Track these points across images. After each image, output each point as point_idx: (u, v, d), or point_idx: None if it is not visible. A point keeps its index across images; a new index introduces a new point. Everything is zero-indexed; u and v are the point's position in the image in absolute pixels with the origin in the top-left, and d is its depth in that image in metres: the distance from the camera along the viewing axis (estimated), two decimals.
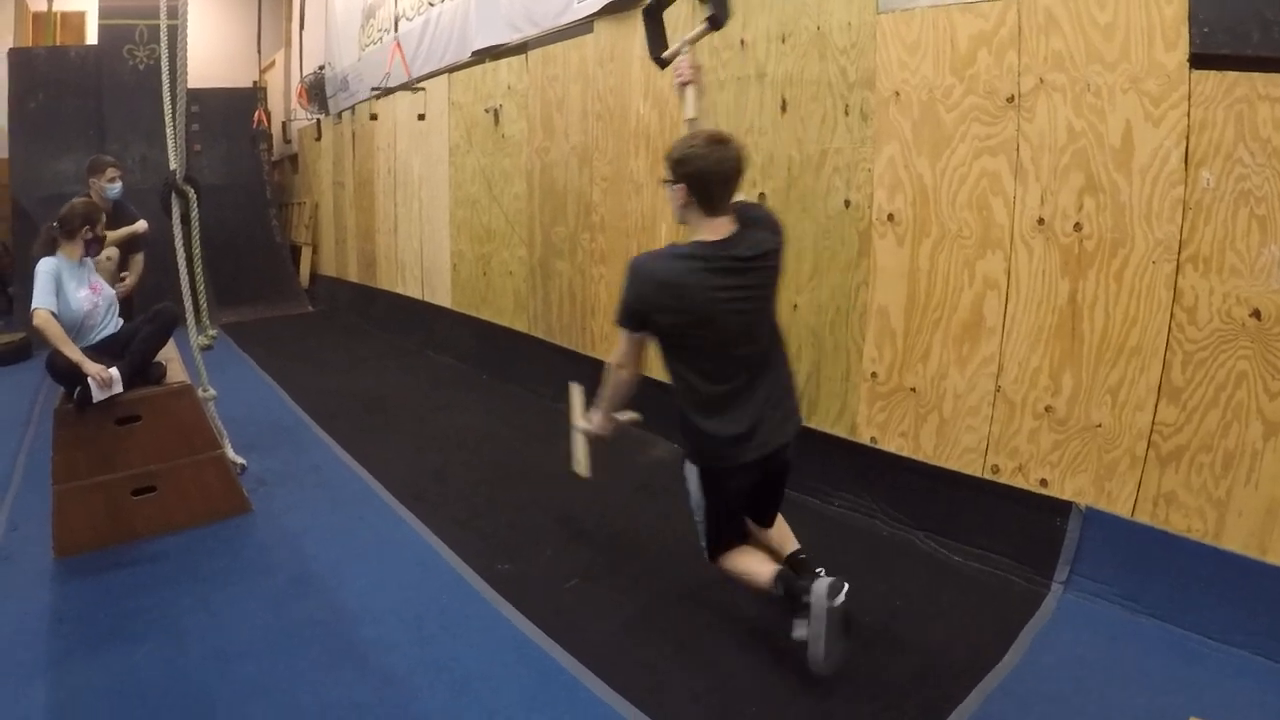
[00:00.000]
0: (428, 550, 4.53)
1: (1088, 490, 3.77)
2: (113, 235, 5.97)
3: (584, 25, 6.39)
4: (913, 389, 4.38)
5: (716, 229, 3.13)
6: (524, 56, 7.17)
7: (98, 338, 4.83)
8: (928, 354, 4.30)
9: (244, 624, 3.82)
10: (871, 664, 3.37)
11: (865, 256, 4.52)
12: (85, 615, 3.93)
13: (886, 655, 3.44)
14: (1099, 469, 3.72)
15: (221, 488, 4.97)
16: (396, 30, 9.61)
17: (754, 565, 3.41)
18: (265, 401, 7.68)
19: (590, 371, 6.34)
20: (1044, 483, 3.91)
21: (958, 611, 3.73)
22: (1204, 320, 3.35)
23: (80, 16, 14.48)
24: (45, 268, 4.60)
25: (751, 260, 3.12)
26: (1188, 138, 3.31)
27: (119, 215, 6.36)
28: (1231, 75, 3.19)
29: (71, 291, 4.70)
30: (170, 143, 5.29)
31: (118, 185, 6.38)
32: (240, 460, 5.56)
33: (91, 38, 13.61)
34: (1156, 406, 3.52)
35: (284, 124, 15.15)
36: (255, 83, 15.14)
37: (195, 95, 5.66)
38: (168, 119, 5.25)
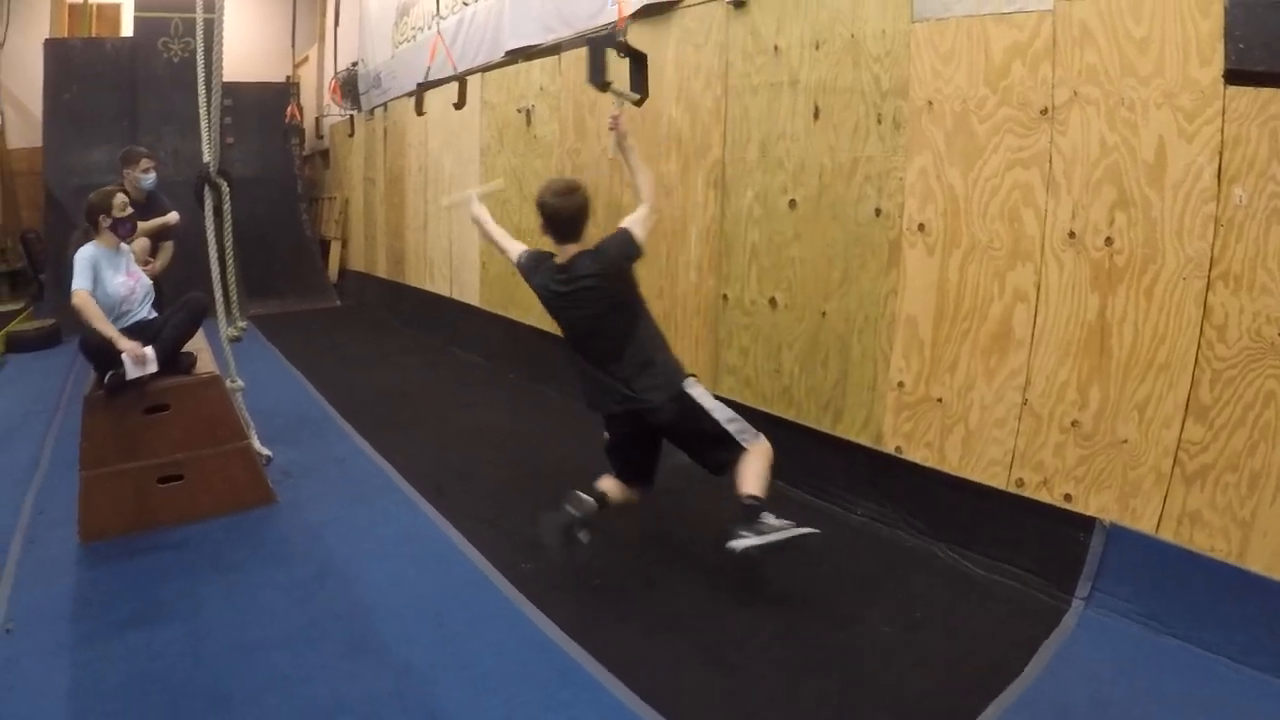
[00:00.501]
0: (450, 546, 4.55)
1: (1112, 506, 3.74)
2: (144, 226, 6.02)
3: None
4: (939, 399, 4.37)
5: (564, 254, 4.23)
6: (557, 58, 7.18)
7: (130, 321, 4.92)
8: (955, 365, 4.29)
9: (265, 614, 3.86)
10: (891, 675, 3.37)
11: (895, 266, 4.51)
12: (108, 600, 3.98)
13: (906, 666, 3.43)
14: (1124, 485, 3.70)
15: (247, 478, 5.02)
16: (436, 24, 9.62)
17: (609, 486, 4.27)
18: (292, 394, 7.74)
19: None
20: (1068, 497, 3.89)
21: (978, 624, 3.72)
22: (1233, 338, 3.32)
23: (116, 9, 14.63)
24: (82, 254, 4.77)
25: (572, 285, 4.16)
26: (1221, 154, 3.29)
27: (152, 206, 6.41)
28: (1266, 92, 3.16)
29: (109, 278, 4.84)
30: (205, 135, 5.35)
31: (152, 176, 6.43)
32: (266, 452, 5.60)
33: (127, 30, 13.74)
34: (1183, 424, 3.49)
35: (317, 119, 15.22)
36: (288, 78, 15.21)
37: (229, 89, 5.70)
38: (202, 112, 5.30)
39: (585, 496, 4.08)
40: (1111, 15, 3.55)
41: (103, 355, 4.65)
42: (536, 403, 7.18)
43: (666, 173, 6.01)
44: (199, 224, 5.54)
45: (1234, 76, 3.23)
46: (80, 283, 4.67)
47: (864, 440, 4.78)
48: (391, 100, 11.27)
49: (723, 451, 4.16)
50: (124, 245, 5.07)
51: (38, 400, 7.45)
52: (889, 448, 4.65)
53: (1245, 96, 3.21)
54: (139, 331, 4.87)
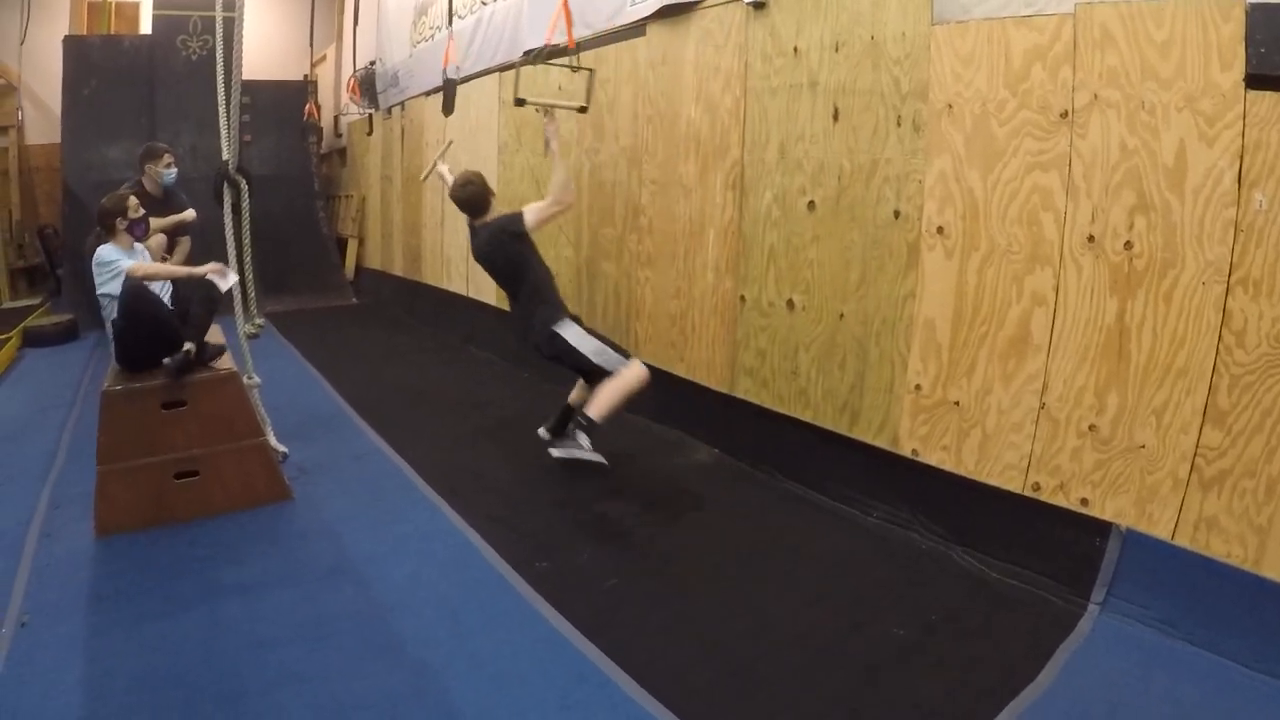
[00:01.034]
0: (466, 545, 4.56)
1: (1128, 511, 3.73)
2: (161, 223, 6.06)
3: (637, 28, 6.41)
4: (956, 403, 4.37)
5: (478, 224, 5.61)
6: (576, 58, 7.18)
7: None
8: (973, 368, 4.28)
9: (280, 611, 3.87)
10: (905, 678, 3.37)
11: (913, 268, 4.50)
12: (123, 594, 4.00)
13: (920, 669, 3.42)
14: (1141, 490, 3.69)
15: (263, 475, 5.04)
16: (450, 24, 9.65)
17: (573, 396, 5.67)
18: (308, 391, 7.77)
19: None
20: (1085, 502, 3.88)
21: (993, 628, 3.71)
22: (1252, 344, 3.31)
23: (134, 7, 14.71)
24: (105, 249, 4.93)
25: (477, 247, 5.63)
26: (1241, 158, 3.27)
27: (170, 202, 6.46)
28: None
29: (125, 260, 4.95)
30: (223, 133, 5.38)
31: (173, 171, 6.51)
32: (282, 448, 5.62)
33: (145, 27, 13.79)
34: (1201, 429, 3.48)
35: (335, 118, 15.26)
36: (306, 76, 15.26)
37: (247, 87, 5.72)
38: (221, 109, 5.33)
39: (578, 434, 5.03)
40: (1132, 18, 3.54)
41: (158, 340, 4.82)
42: (552, 401, 7.16)
43: (685, 173, 6.02)
44: (217, 221, 5.57)
45: (1255, 81, 3.22)
46: (124, 264, 4.88)
47: (880, 443, 4.78)
48: (409, 99, 11.30)
49: (601, 376, 5.17)
50: (138, 245, 5.16)
51: (55, 395, 7.49)
52: (905, 450, 4.64)
53: (1266, 101, 3.20)
54: None
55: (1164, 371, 3.56)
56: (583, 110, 6.24)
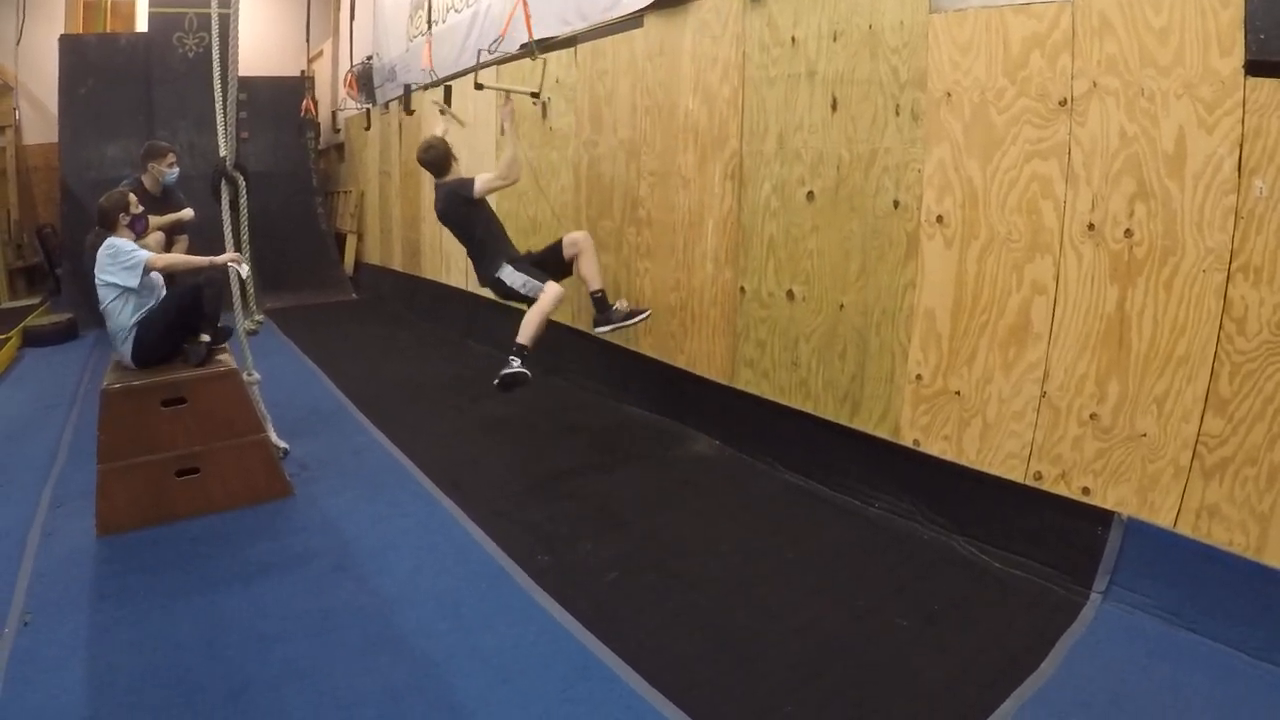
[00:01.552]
0: (467, 539, 4.56)
1: (1130, 500, 3.73)
2: (159, 221, 6.06)
3: (634, 20, 6.39)
4: (957, 392, 4.36)
5: (439, 181, 6.34)
6: (573, 50, 7.17)
7: (146, 312, 4.99)
8: (973, 358, 4.27)
9: (283, 607, 3.87)
10: (908, 668, 3.37)
11: (913, 258, 4.50)
12: (125, 592, 4.00)
13: (923, 659, 3.42)
14: (1142, 479, 3.68)
15: (264, 471, 5.04)
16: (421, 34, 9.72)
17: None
18: (308, 387, 7.77)
19: (638, 366, 6.38)
20: (1086, 491, 3.88)
21: (995, 617, 3.71)
22: (1253, 331, 3.30)
23: (130, 4, 14.70)
24: (114, 241, 4.96)
25: (437, 205, 6.39)
26: (1241, 145, 3.26)
27: (168, 201, 6.47)
28: None
29: (141, 251, 4.97)
30: (221, 130, 5.38)
31: (175, 170, 6.53)
32: (283, 444, 5.62)
33: (141, 25, 13.78)
34: (1202, 417, 3.47)
35: (332, 113, 15.25)
36: (303, 72, 15.26)
37: (244, 83, 5.74)
38: (218, 106, 5.34)
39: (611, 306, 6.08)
40: (1131, 5, 3.53)
41: (183, 334, 5.04)
42: (550, 396, 7.18)
43: (684, 165, 6.01)
44: (215, 218, 5.57)
45: (1255, 67, 3.21)
46: (140, 254, 4.92)
47: (882, 433, 4.77)
48: (428, 86, 11.27)
49: (529, 303, 5.91)
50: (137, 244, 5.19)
51: (55, 394, 7.49)
52: (907, 440, 4.64)
53: (1266, 87, 3.19)
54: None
55: (1165, 359, 3.56)
56: (534, 96, 7.53)
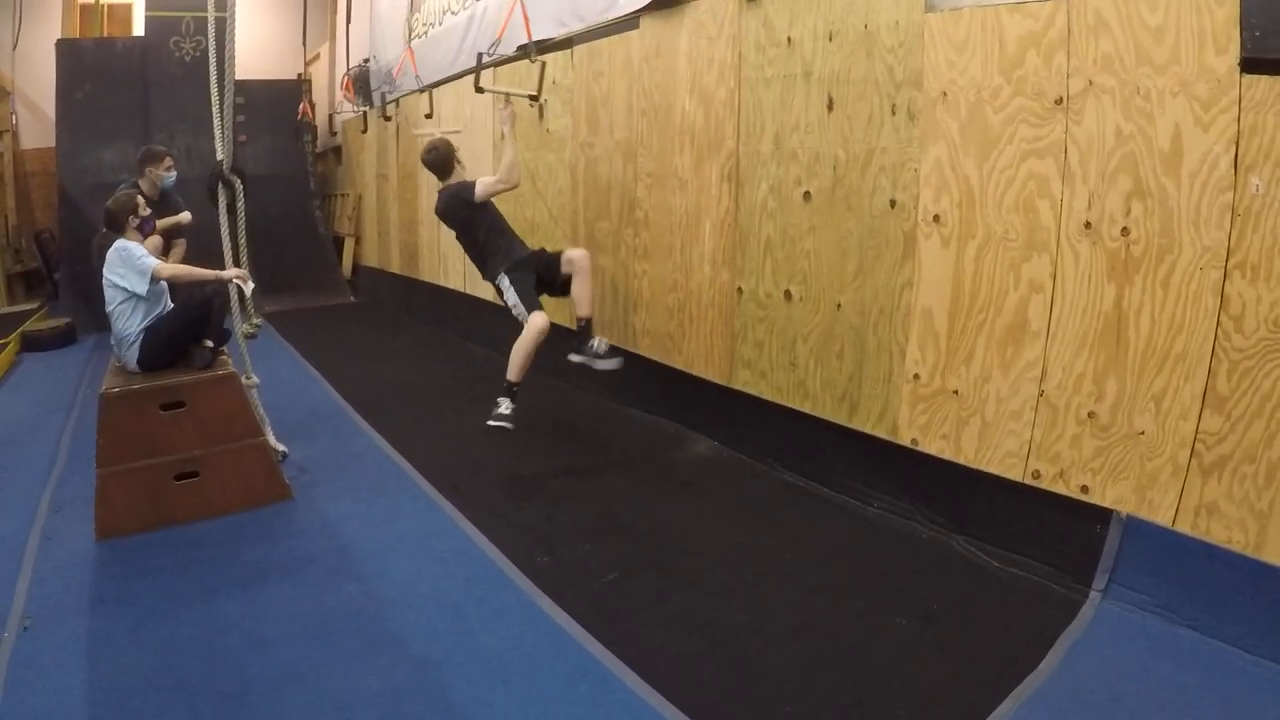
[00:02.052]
0: (466, 541, 4.56)
1: (1128, 498, 3.73)
2: (158, 224, 6.05)
3: (630, 21, 6.38)
4: (955, 391, 4.36)
5: (442, 184, 6.37)
6: (569, 52, 7.17)
7: (154, 317, 5.01)
8: (971, 357, 4.28)
9: (282, 610, 3.87)
10: (907, 667, 3.37)
11: (910, 257, 4.50)
12: (125, 597, 4.00)
13: (922, 658, 3.42)
14: (1141, 477, 3.68)
15: (263, 474, 5.04)
16: (408, 41, 9.71)
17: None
18: (307, 390, 7.77)
19: (636, 367, 6.37)
20: (1085, 489, 3.88)
21: (995, 616, 3.71)
22: (1250, 329, 3.30)
23: (127, 9, 14.69)
24: (126, 243, 4.96)
25: (438, 208, 6.36)
26: (1237, 143, 3.26)
27: (166, 205, 6.46)
28: None
29: (151, 259, 4.98)
30: (218, 133, 5.38)
31: (173, 174, 6.53)
32: (282, 448, 5.62)
33: (138, 29, 13.80)
34: (1200, 415, 3.47)
35: (330, 116, 15.25)
36: (300, 75, 15.24)
37: (241, 87, 5.74)
38: (215, 110, 5.34)
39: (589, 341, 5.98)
40: (1126, 3, 3.53)
41: (190, 341, 5.03)
42: (548, 397, 7.18)
43: (680, 166, 6.02)
44: (213, 222, 5.57)
45: (1250, 64, 3.21)
46: (150, 261, 4.92)
47: (880, 433, 4.77)
48: (404, 96, 11.27)
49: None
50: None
51: (53, 398, 7.49)
52: (905, 440, 4.64)
53: (1261, 84, 3.19)
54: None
55: (1162, 357, 3.56)
56: (533, 99, 7.44)
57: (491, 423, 5.62)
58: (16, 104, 13.54)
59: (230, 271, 5.25)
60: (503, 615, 3.82)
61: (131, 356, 4.90)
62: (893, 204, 4.55)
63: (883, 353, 4.71)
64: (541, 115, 7.65)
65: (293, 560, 4.36)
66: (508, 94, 7.15)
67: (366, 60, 12.65)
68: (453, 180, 6.31)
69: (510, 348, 5.70)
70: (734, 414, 5.75)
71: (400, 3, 11.16)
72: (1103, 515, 3.79)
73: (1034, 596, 3.84)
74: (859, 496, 4.86)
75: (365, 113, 12.91)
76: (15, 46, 13.50)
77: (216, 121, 5.37)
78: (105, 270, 4.89)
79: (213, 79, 5.33)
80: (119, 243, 4.90)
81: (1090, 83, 3.68)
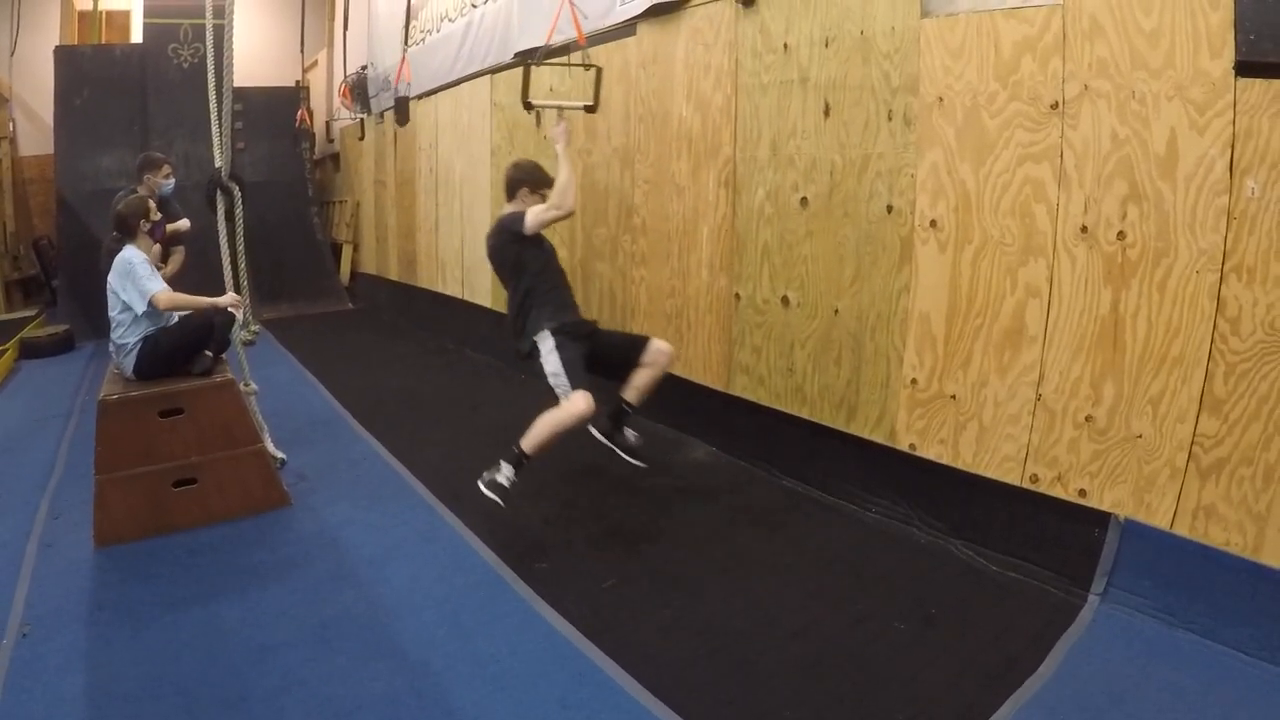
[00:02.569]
0: (465, 547, 4.56)
1: (1126, 501, 3.73)
2: None
3: (627, 28, 6.40)
4: (953, 396, 4.37)
5: (503, 209, 5.49)
6: (566, 58, 7.17)
7: (164, 322, 5.07)
8: (968, 361, 4.28)
9: (281, 616, 3.87)
10: (907, 672, 3.37)
11: (907, 262, 4.50)
12: (124, 604, 4.00)
13: (922, 663, 3.42)
14: (1138, 480, 3.69)
15: (261, 481, 5.04)
16: (403, 49, 9.69)
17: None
18: (305, 397, 7.77)
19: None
20: (1083, 493, 3.88)
21: (993, 620, 3.71)
22: (1247, 332, 3.31)
23: (125, 15, 14.71)
24: (134, 257, 4.92)
25: (488, 238, 5.45)
26: (1233, 146, 3.27)
27: (164, 212, 6.45)
28: (1278, 83, 3.15)
29: (155, 277, 4.98)
30: (216, 140, 5.39)
31: (171, 182, 6.53)
32: (280, 455, 5.62)
33: (136, 36, 13.82)
34: (1198, 418, 3.48)
35: (327, 123, 15.25)
36: (298, 82, 15.25)
37: (239, 94, 5.77)
38: (213, 117, 5.35)
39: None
40: (1121, 8, 3.54)
41: (190, 353, 5.05)
42: (547, 404, 7.17)
43: (677, 172, 6.02)
44: (211, 229, 5.58)
45: (1245, 68, 3.22)
46: (153, 284, 4.89)
47: (877, 438, 4.78)
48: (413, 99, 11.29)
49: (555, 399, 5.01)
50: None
51: (52, 405, 7.49)
52: (903, 445, 4.64)
53: (1256, 88, 3.20)
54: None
55: (1159, 361, 3.57)
56: (590, 110, 6.25)
57: (484, 489, 4.72)
58: (15, 111, 13.56)
59: (227, 299, 5.21)
60: (502, 621, 3.82)
61: (128, 365, 4.90)
62: (889, 209, 4.56)
63: (880, 358, 4.71)
64: (539, 122, 7.65)
65: (291, 566, 4.36)
66: (560, 107, 6.29)
67: (364, 67, 12.67)
68: (509, 209, 5.41)
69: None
70: (732, 419, 5.75)
71: (398, 10, 11.17)
72: (1101, 518, 3.79)
73: (1033, 600, 3.84)
74: (857, 501, 4.86)
75: (363, 120, 12.92)
76: (13, 53, 13.51)
77: (215, 128, 5.38)
78: (110, 277, 4.89)
79: (211, 86, 5.35)
80: (126, 253, 4.88)
81: (1086, 87, 3.69)
